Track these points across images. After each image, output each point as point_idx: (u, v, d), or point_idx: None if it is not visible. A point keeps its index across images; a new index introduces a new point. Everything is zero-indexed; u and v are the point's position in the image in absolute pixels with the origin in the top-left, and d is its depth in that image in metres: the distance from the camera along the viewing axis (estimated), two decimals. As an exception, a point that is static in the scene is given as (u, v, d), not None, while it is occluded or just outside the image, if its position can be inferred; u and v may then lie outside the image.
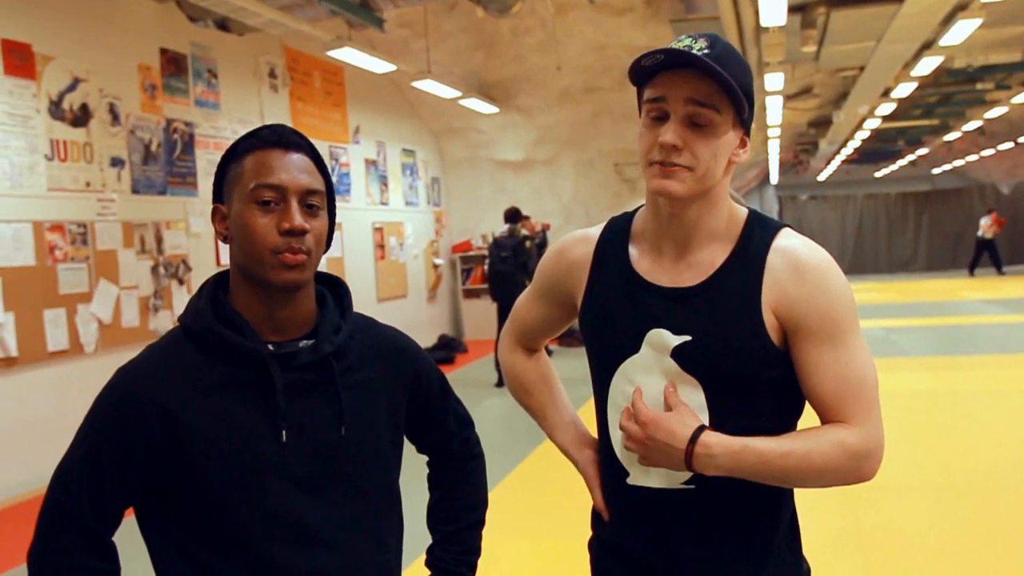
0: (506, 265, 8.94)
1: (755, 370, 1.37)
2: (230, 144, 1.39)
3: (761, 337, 1.37)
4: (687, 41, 1.35)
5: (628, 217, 1.55)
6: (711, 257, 1.42)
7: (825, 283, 1.37)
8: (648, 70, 1.36)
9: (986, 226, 20.20)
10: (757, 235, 1.42)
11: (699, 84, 1.33)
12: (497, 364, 9.10)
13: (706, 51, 1.33)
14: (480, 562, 1.61)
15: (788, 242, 1.41)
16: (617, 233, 1.53)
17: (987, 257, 20.53)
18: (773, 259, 1.39)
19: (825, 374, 1.36)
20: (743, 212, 1.47)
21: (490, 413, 7.78)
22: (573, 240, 1.58)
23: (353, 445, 1.39)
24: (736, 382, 1.38)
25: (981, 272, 20.75)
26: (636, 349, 1.43)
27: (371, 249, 11.07)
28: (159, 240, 7.24)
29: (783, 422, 1.42)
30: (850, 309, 1.38)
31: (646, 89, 1.39)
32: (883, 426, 1.38)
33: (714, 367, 1.38)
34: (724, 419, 1.38)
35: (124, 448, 1.30)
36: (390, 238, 11.55)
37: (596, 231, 1.56)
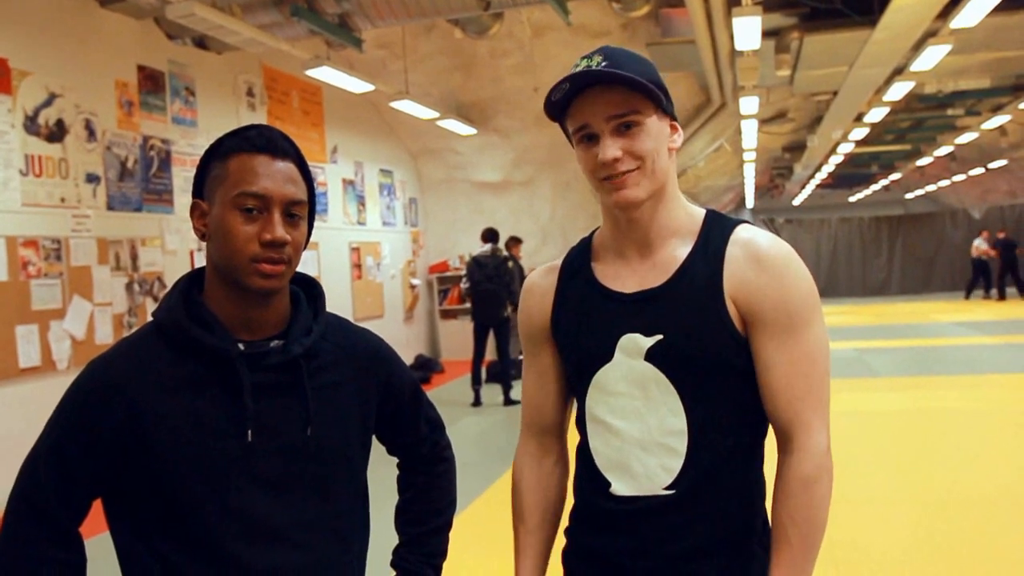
0: (491, 284, 8.94)
1: (726, 359, 1.40)
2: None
3: (727, 326, 1.40)
4: (583, 63, 1.40)
5: (587, 239, 1.59)
6: (673, 254, 1.45)
7: (783, 273, 1.40)
8: (560, 103, 1.41)
9: (980, 248, 20.11)
10: (716, 230, 1.46)
11: (611, 97, 1.38)
12: (473, 384, 9.10)
13: (604, 64, 1.38)
14: (453, 577, 1.61)
15: (747, 234, 1.44)
16: (578, 253, 1.57)
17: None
18: (732, 250, 1.43)
19: (777, 368, 1.39)
20: (701, 211, 1.51)
21: (466, 432, 7.77)
22: (538, 273, 1.62)
23: (319, 446, 1.39)
24: (709, 375, 1.41)
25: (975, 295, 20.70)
26: (609, 357, 1.45)
27: (348, 269, 11.06)
28: (134, 257, 7.21)
29: (755, 415, 1.44)
30: (808, 301, 1.40)
31: (566, 121, 1.44)
32: (828, 418, 1.42)
33: (687, 362, 1.40)
34: (699, 417, 1.41)
35: (91, 439, 1.31)
36: (367, 258, 11.55)
37: (559, 261, 1.60)
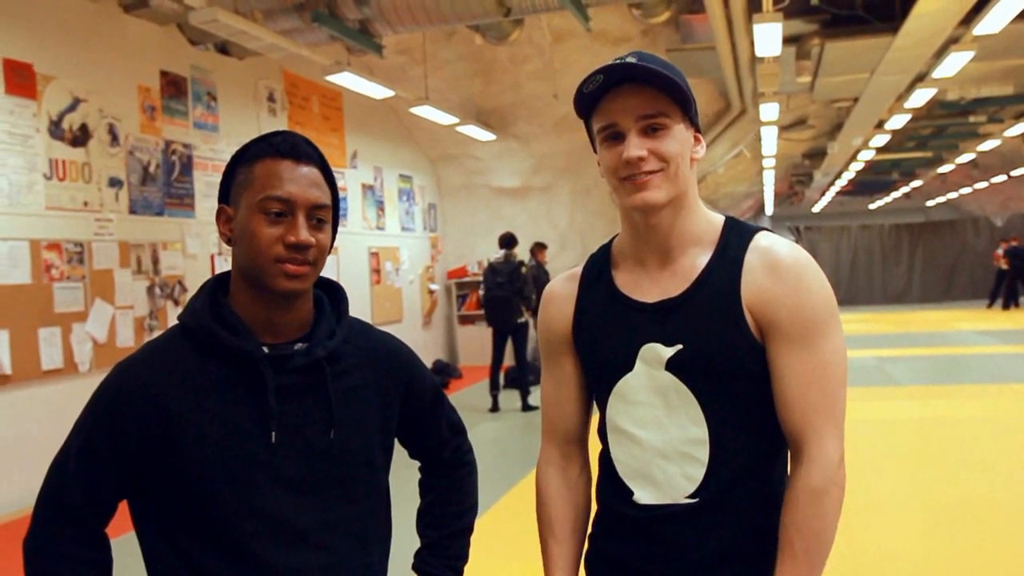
0: (503, 290, 8.94)
1: (745, 368, 1.40)
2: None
3: (746, 335, 1.39)
4: (614, 62, 1.39)
5: (606, 246, 1.58)
6: (693, 262, 1.45)
7: (799, 281, 1.39)
8: (591, 96, 1.40)
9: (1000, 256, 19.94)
10: (735, 237, 1.45)
11: (642, 97, 1.37)
12: (492, 389, 9.11)
13: (637, 63, 1.37)
14: (472, 582, 1.61)
15: (766, 241, 1.43)
16: (598, 261, 1.57)
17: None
18: (751, 258, 1.42)
19: (790, 378, 1.38)
20: (720, 218, 1.50)
21: (484, 438, 7.77)
22: (558, 281, 1.61)
23: (342, 448, 1.40)
24: (728, 384, 1.40)
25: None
26: (630, 367, 1.45)
27: (367, 273, 11.10)
28: (155, 261, 7.27)
29: (776, 423, 1.43)
30: (825, 311, 1.39)
31: (593, 119, 1.43)
32: (843, 429, 1.40)
33: (707, 371, 1.40)
34: (719, 426, 1.41)
35: (119, 440, 1.32)
36: (386, 263, 11.58)
37: (579, 268, 1.59)
